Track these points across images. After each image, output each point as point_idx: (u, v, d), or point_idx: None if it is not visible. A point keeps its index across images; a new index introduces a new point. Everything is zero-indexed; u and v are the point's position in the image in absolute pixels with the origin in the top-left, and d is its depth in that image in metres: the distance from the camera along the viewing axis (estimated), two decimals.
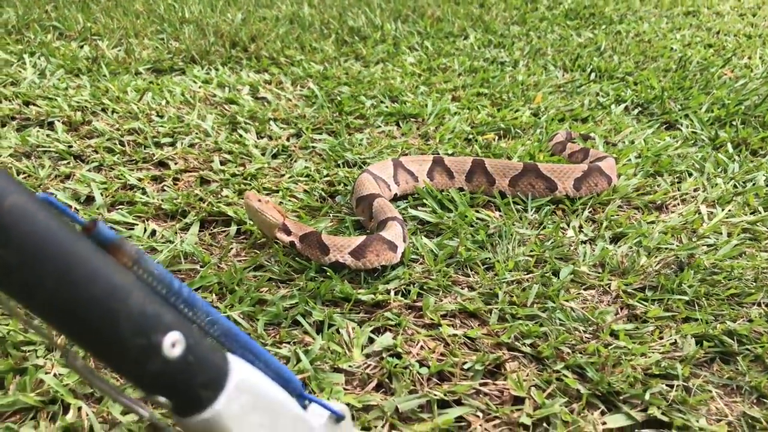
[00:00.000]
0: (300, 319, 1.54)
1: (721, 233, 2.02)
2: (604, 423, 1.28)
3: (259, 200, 1.73)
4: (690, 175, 2.47)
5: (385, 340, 1.47)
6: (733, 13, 5.92)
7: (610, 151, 2.67)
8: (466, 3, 5.94)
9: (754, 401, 1.37)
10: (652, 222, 2.09)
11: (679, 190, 2.32)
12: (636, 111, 3.25)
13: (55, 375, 1.30)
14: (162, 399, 0.61)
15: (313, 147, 2.62)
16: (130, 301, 0.57)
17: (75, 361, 0.58)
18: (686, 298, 1.67)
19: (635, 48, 4.44)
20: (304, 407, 0.78)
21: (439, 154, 2.52)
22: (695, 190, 2.34)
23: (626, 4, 6.15)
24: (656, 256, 1.85)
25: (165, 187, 2.20)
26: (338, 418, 0.80)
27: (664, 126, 3.07)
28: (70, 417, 1.22)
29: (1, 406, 1.23)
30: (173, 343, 0.59)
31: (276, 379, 0.73)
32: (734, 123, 2.99)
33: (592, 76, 3.82)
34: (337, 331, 1.51)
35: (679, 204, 2.25)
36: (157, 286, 0.62)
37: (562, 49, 4.40)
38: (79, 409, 1.24)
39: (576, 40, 4.68)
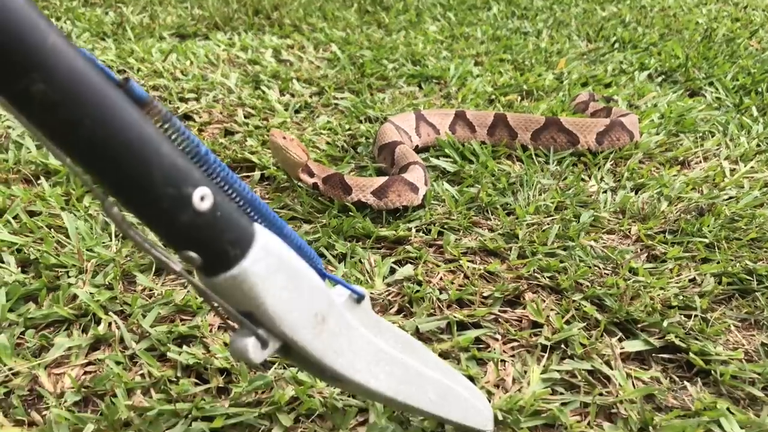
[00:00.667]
0: (323, 251, 1.57)
1: (743, 186, 2.02)
2: (622, 348, 1.30)
3: (284, 137, 1.76)
4: (713, 134, 2.46)
5: (406, 270, 1.50)
6: None
7: (633, 113, 2.66)
8: None
9: None
10: (675, 175, 2.09)
11: (701, 148, 2.31)
12: (660, 78, 3.23)
13: (87, 292, 1.34)
14: (192, 254, 0.62)
15: (335, 104, 2.64)
16: (161, 151, 0.58)
17: (111, 208, 0.60)
18: (706, 240, 1.67)
19: (660, 21, 4.39)
20: None
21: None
22: (717, 147, 2.33)
23: None
24: (677, 204, 1.86)
25: None
26: (359, 298, 0.82)
27: (688, 93, 3.05)
28: (102, 328, 1.26)
29: (36, 318, 1.28)
30: (202, 197, 0.61)
31: (299, 254, 0.76)
32: (760, 90, 2.96)
33: (616, 45, 3.80)
34: (360, 261, 1.54)
35: (701, 161, 2.24)
36: (186, 148, 0.62)
37: (585, 22, 4.37)
38: (110, 324, 1.29)
39: (600, 14, 4.64)
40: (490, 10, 4.62)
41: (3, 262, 1.43)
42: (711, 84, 3.10)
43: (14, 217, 1.62)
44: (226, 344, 1.24)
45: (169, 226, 0.61)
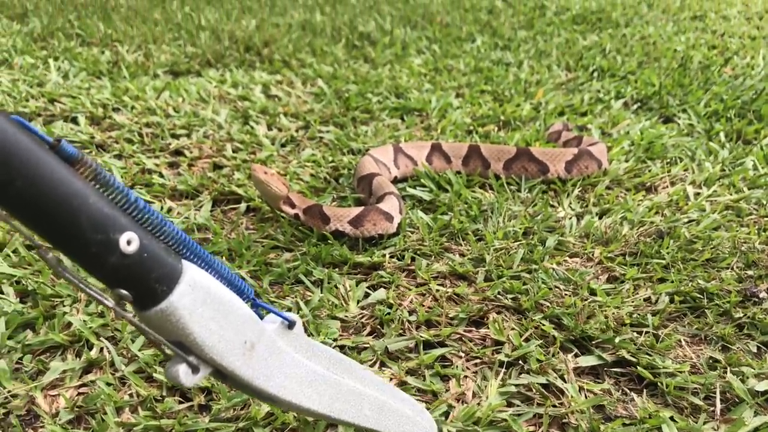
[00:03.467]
0: (302, 277, 1.68)
1: (704, 209, 2.13)
2: (576, 363, 1.40)
3: (265, 172, 1.87)
4: (681, 160, 2.57)
5: (379, 294, 1.60)
6: (739, 17, 5.99)
7: (604, 140, 2.78)
8: (474, 9, 6.08)
9: (719, 348, 1.48)
10: (640, 200, 2.20)
11: (669, 173, 2.43)
12: (635, 106, 3.36)
13: (80, 320, 1.45)
14: (123, 292, 0.69)
15: (320, 137, 2.77)
16: (89, 201, 0.65)
17: (46, 254, 0.66)
18: (663, 262, 1.78)
19: (639, 50, 4.53)
20: (261, 317, 0.89)
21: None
22: (684, 172, 2.44)
23: (634, 9, 6.24)
24: (638, 228, 1.97)
25: (180, 172, 2.35)
26: (290, 324, 0.89)
27: (662, 119, 3.18)
28: (94, 353, 1.37)
29: (33, 345, 1.38)
30: (129, 241, 0.67)
31: (229, 287, 0.82)
32: (730, 116, 3.09)
33: (595, 74, 3.94)
34: (336, 287, 1.64)
35: (668, 186, 2.36)
36: (115, 198, 0.70)
37: (567, 51, 4.51)
38: (102, 349, 1.39)
39: (582, 43, 4.79)
40: (474, 42, 4.78)
41: (3, 293, 1.55)
42: (684, 111, 3.23)
43: (13, 251, 1.74)
44: None
45: (100, 268, 0.68)
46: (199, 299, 0.74)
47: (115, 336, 1.43)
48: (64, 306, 1.51)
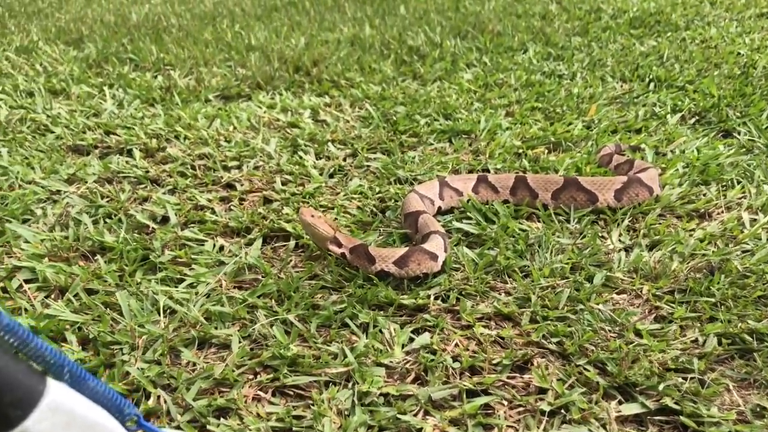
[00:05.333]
0: (348, 321, 1.72)
1: (760, 239, 2.08)
2: (619, 411, 1.39)
3: (312, 215, 1.94)
4: (738, 182, 2.50)
5: (423, 339, 1.63)
6: None
7: (659, 161, 2.73)
8: (527, 16, 6.01)
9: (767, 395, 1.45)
10: (692, 230, 2.16)
11: (724, 198, 2.36)
12: (693, 120, 3.26)
13: (138, 368, 1.53)
14: None
15: (367, 166, 2.81)
16: None
17: None
18: (713, 300, 1.75)
19: (699, 55, 4.38)
20: None
21: (487, 170, 2.68)
22: (741, 196, 2.38)
23: (695, 9, 6.01)
24: (689, 262, 1.94)
25: (232, 207, 2.43)
26: None
27: (721, 134, 3.08)
28: (151, 402, 1.44)
29: None
30: None
31: (106, 406, 0.81)
32: None
33: (651, 85, 3.83)
34: (381, 331, 1.68)
35: (723, 212, 2.30)
36: None
37: (622, 60, 4.41)
38: (158, 397, 1.46)
39: (638, 49, 4.66)
40: (526, 53, 4.73)
41: (66, 341, 1.64)
42: (744, 123, 3.12)
43: (75, 296, 1.83)
44: (258, 415, 1.39)
45: None
46: (60, 424, 0.72)
47: (171, 384, 1.50)
48: (123, 354, 1.59)
